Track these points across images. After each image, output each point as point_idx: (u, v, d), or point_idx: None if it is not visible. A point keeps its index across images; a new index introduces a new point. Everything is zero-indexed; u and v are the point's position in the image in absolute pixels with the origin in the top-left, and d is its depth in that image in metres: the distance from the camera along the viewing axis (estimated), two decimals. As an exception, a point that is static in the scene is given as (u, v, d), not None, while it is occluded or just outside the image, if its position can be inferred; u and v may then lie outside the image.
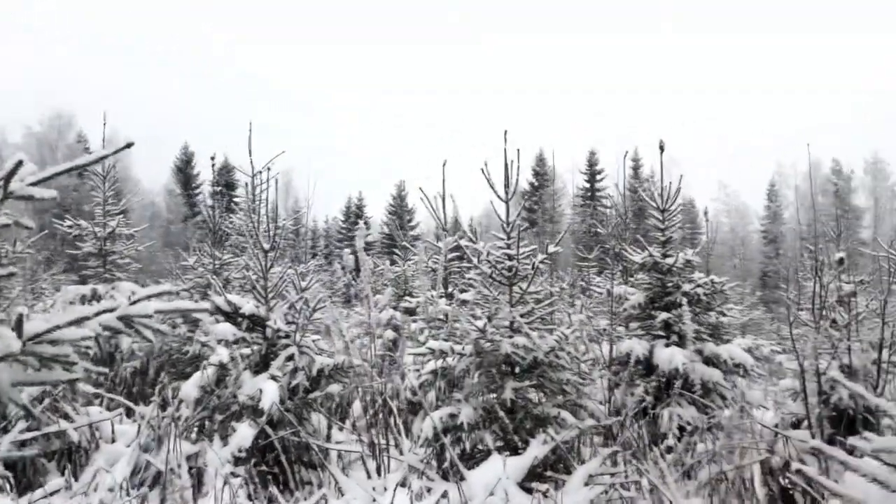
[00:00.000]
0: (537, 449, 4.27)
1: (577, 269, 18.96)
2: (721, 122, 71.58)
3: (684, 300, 5.74)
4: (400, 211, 49.74)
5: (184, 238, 29.86)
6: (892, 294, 4.84)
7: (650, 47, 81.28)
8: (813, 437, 4.34)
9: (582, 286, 14.95)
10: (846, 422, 4.93)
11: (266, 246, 5.23)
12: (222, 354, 4.80)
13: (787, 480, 4.07)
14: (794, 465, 2.88)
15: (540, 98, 79.69)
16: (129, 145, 1.75)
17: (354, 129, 78.70)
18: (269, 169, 6.59)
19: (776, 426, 4.67)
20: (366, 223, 44.95)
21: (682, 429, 5.39)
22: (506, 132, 4.77)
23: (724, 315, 6.47)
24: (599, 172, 50.31)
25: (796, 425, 5.28)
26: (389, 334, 8.57)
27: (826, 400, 4.96)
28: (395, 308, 9.55)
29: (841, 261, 5.28)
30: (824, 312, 5.07)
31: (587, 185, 50.46)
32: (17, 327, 1.46)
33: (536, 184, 50.16)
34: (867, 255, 9.60)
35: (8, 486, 3.91)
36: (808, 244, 10.30)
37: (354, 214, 51.67)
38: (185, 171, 51.03)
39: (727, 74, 77.68)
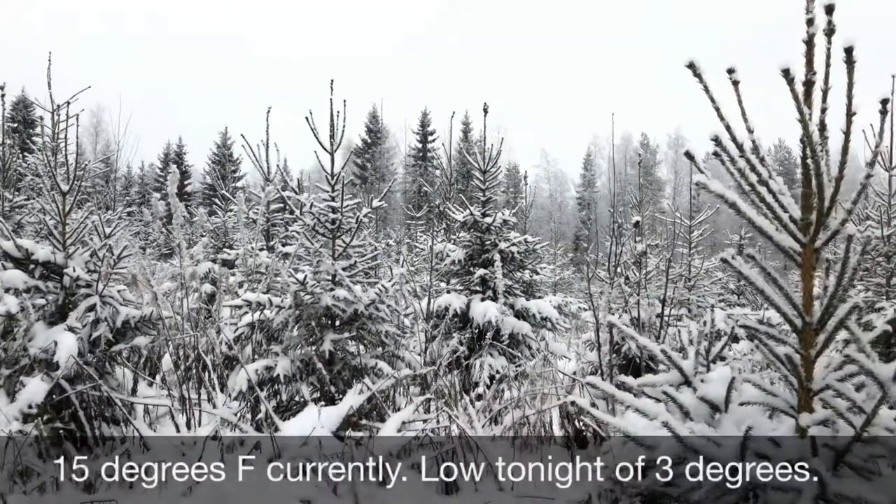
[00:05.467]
0: (353, 398, 4.35)
1: (406, 227, 19.30)
2: (547, 93, 75.08)
3: (497, 257, 6.04)
4: (223, 160, 47.30)
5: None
6: (677, 255, 5.44)
7: (486, 14, 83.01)
8: (604, 381, 4.80)
9: (409, 243, 15.23)
10: (633, 368, 5.51)
11: (65, 187, 4.78)
12: (10, 304, 4.36)
13: (581, 423, 4.49)
14: (586, 408, 3.19)
15: (375, 57, 78.81)
16: None
17: (181, 74, 73.24)
18: (71, 103, 6.01)
19: (575, 374, 5.11)
20: (185, 171, 42.22)
21: (492, 377, 5.73)
22: (332, 81, 4.69)
23: (537, 273, 6.90)
24: (432, 133, 50.94)
25: (594, 373, 5.82)
26: (208, 288, 8.21)
27: (618, 350, 5.50)
28: (213, 261, 9.16)
29: (636, 224, 5.81)
30: (619, 270, 5.59)
31: (419, 146, 50.98)
32: None
33: (370, 141, 49.90)
34: (666, 222, 10.67)
35: None
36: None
37: (173, 161, 48.43)
38: (-29, 102, 44.86)
39: (559, 47, 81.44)
